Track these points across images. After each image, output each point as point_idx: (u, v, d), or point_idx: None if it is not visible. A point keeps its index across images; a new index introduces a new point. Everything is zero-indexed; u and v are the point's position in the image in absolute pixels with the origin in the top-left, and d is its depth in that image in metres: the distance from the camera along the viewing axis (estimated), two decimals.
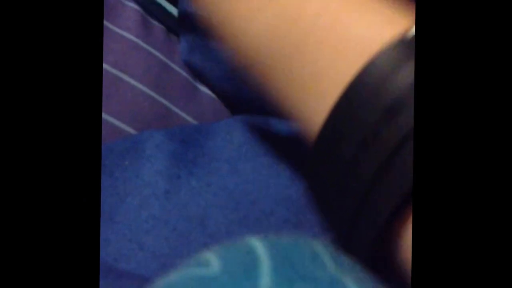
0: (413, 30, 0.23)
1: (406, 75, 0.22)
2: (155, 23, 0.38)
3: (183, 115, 0.37)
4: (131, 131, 0.34)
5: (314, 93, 0.24)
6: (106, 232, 0.29)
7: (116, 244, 0.28)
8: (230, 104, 0.39)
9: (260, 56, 0.25)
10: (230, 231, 0.30)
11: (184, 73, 0.38)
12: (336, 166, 0.23)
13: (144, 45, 0.37)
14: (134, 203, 0.29)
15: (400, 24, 0.23)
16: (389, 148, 0.22)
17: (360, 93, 0.23)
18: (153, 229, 0.29)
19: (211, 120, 0.38)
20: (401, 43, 0.22)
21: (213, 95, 0.39)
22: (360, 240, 0.23)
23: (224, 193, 0.30)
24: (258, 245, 0.20)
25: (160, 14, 0.38)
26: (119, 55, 0.35)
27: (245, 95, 0.38)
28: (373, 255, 0.23)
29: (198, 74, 0.38)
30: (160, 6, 0.39)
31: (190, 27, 0.38)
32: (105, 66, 0.35)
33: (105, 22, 0.36)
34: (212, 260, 0.20)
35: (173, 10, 0.40)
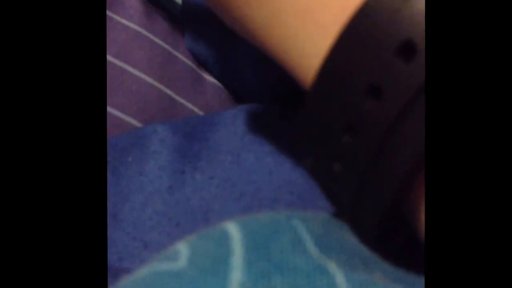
0: None
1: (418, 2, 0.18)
2: (159, 11, 0.38)
3: (189, 105, 0.36)
4: (136, 123, 0.34)
5: (311, 27, 0.21)
6: (110, 231, 0.29)
7: (120, 242, 0.28)
8: (235, 93, 0.38)
9: None
10: None
11: (189, 62, 0.38)
12: (337, 119, 0.20)
13: (148, 35, 0.36)
14: (138, 201, 0.29)
15: None
16: (402, 99, 0.18)
17: (367, 27, 0.19)
18: (157, 226, 0.29)
19: (217, 109, 0.37)
20: None
21: (218, 84, 0.38)
22: (367, 212, 0.20)
23: (227, 184, 0.30)
24: (233, 231, 0.19)
25: (163, 1, 0.38)
26: (122, 45, 0.35)
27: (250, 83, 0.37)
28: (381, 230, 0.21)
29: (203, 63, 0.38)
30: None
31: (195, 15, 0.37)
32: (108, 57, 0.34)
33: (108, 12, 0.36)
34: (181, 253, 0.18)
35: None
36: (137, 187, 0.29)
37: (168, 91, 0.36)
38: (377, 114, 0.18)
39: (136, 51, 0.35)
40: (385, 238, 0.21)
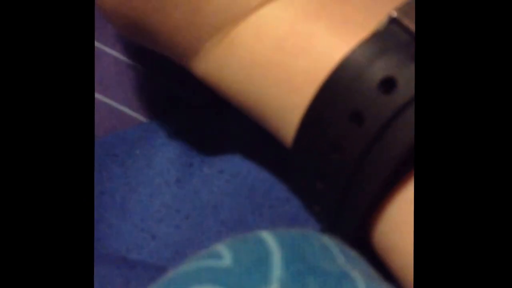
0: (382, 24, 0.23)
1: (372, 77, 0.22)
2: None
3: (195, 102, 0.37)
4: (143, 119, 0.34)
5: (286, 92, 0.24)
6: (118, 222, 0.29)
7: (128, 234, 0.28)
8: None
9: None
10: (243, 218, 0.29)
11: None
12: (312, 170, 0.24)
13: None
14: (146, 193, 0.29)
15: (371, 23, 0.23)
16: (357, 152, 0.23)
17: (327, 100, 0.23)
18: (165, 218, 0.29)
19: (224, 105, 0.37)
20: (372, 39, 0.23)
21: None
22: (345, 226, 0.24)
23: (236, 180, 0.30)
24: (268, 237, 0.20)
25: None
26: (129, 42, 0.35)
27: None
28: (357, 239, 0.24)
29: None
30: None
31: None
32: (115, 53, 0.34)
33: None
34: (223, 252, 0.20)
35: None
36: (145, 179, 0.29)
37: (175, 88, 0.36)
38: (340, 163, 0.23)
39: (143, 48, 0.35)
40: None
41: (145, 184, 0.30)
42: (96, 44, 0.34)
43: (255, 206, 0.30)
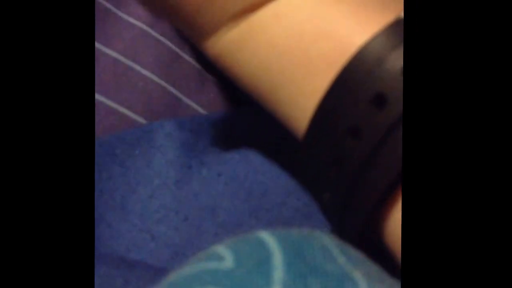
0: (402, 14, 0.23)
1: (395, 62, 0.22)
2: None
3: (194, 105, 0.37)
4: (142, 120, 0.34)
5: (304, 75, 0.24)
6: (118, 222, 0.29)
7: (128, 234, 0.28)
8: (241, 94, 0.39)
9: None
10: (241, 221, 0.29)
11: (195, 63, 0.38)
12: (326, 156, 0.23)
13: (155, 34, 0.36)
14: (145, 193, 0.29)
15: (389, 12, 0.23)
16: (377, 137, 0.22)
17: (348, 84, 0.23)
18: (164, 219, 0.29)
19: (222, 110, 0.37)
20: (390, 29, 0.23)
21: (223, 85, 0.38)
22: (350, 226, 0.24)
23: (235, 183, 0.30)
24: (269, 238, 0.20)
25: None
26: (129, 43, 0.35)
27: None
28: (362, 240, 0.24)
29: (208, 63, 0.38)
30: None
31: None
32: (115, 55, 0.35)
33: (114, 10, 0.36)
34: (224, 254, 0.20)
35: None
36: (144, 179, 0.30)
37: (174, 90, 0.36)
38: (357, 148, 0.23)
39: (143, 50, 0.35)
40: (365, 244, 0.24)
41: (144, 184, 0.30)
42: (97, 44, 0.34)
43: (252, 209, 0.30)
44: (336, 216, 0.24)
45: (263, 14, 0.24)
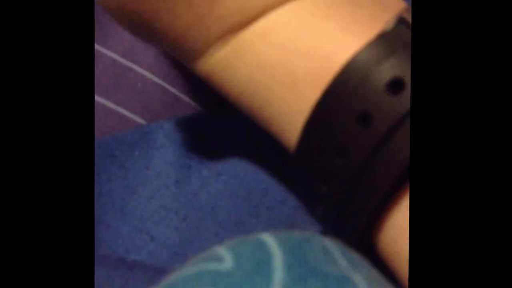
0: (390, 25, 0.23)
1: (379, 77, 0.22)
2: None
3: (194, 104, 0.37)
4: (141, 121, 0.34)
5: (291, 93, 0.24)
6: (117, 223, 0.29)
7: (127, 235, 0.28)
8: None
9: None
10: (241, 220, 0.29)
11: None
12: (316, 173, 0.24)
13: None
14: (144, 194, 0.29)
15: (378, 25, 0.23)
16: (364, 156, 0.22)
17: (333, 103, 0.23)
18: (164, 219, 0.29)
19: (222, 109, 0.37)
20: (374, 43, 0.23)
21: None
22: (345, 239, 0.24)
23: (235, 181, 0.30)
24: (269, 240, 0.20)
25: None
26: (127, 44, 0.35)
27: None
28: (361, 244, 0.24)
29: None
30: None
31: None
32: (113, 55, 0.35)
33: None
34: (224, 255, 0.20)
35: None
36: (143, 181, 0.30)
37: (173, 90, 0.36)
38: (345, 167, 0.23)
39: (142, 51, 0.35)
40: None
41: (144, 185, 0.30)
42: (96, 46, 0.35)
43: (253, 208, 0.30)
44: (330, 229, 0.25)
45: (251, 32, 0.25)
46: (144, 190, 0.29)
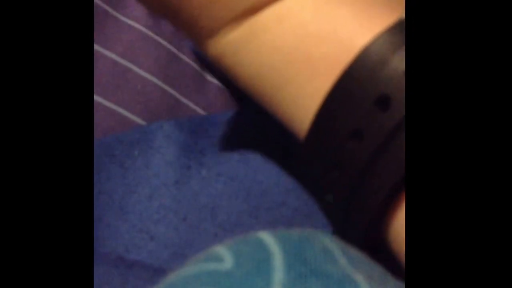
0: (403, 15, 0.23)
1: (398, 63, 0.22)
2: None
3: (193, 106, 0.37)
4: (141, 122, 0.34)
5: (306, 76, 0.24)
6: (117, 222, 0.29)
7: (127, 234, 0.29)
8: (239, 95, 0.39)
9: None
10: (240, 221, 0.29)
11: (193, 64, 0.38)
12: (327, 159, 0.23)
13: (153, 36, 0.37)
14: (144, 194, 0.29)
15: (392, 13, 0.23)
16: (380, 139, 0.22)
17: (350, 86, 0.23)
18: (164, 219, 0.29)
19: (220, 110, 0.38)
20: (392, 30, 0.23)
21: (222, 86, 0.38)
22: (353, 228, 0.24)
23: (234, 182, 0.30)
24: (269, 239, 0.20)
25: None
26: (128, 45, 0.35)
27: None
28: (365, 242, 0.23)
29: (207, 64, 0.38)
30: None
31: None
32: (114, 56, 0.35)
33: (113, 12, 0.36)
34: (224, 255, 0.20)
35: None
36: (143, 180, 0.30)
37: (172, 91, 0.36)
38: (359, 150, 0.22)
39: (142, 52, 0.36)
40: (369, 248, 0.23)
41: (143, 185, 0.30)
42: (96, 46, 0.35)
43: (252, 208, 0.30)
44: (338, 218, 0.24)
45: (266, 16, 0.25)
46: (144, 190, 0.30)
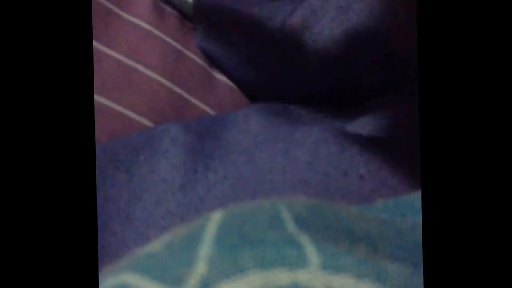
0: None
1: None
2: (169, 9, 0.37)
3: (200, 104, 0.36)
4: (148, 123, 0.34)
5: None
6: (123, 230, 0.28)
7: (133, 242, 0.28)
8: (247, 92, 0.38)
9: None
10: None
11: (200, 61, 0.37)
12: None
13: (158, 33, 0.36)
14: (150, 200, 0.29)
15: None
16: None
17: None
18: (170, 226, 0.28)
19: (228, 108, 0.37)
20: None
21: (230, 83, 0.38)
22: None
23: (240, 183, 0.30)
24: (216, 216, 0.19)
25: (174, 0, 0.37)
26: (132, 44, 0.35)
27: (263, 82, 0.37)
28: None
29: (214, 62, 0.38)
30: None
31: (206, 13, 0.37)
32: (118, 56, 0.34)
33: (117, 10, 0.36)
34: (161, 239, 0.19)
35: None
36: (149, 186, 0.29)
37: (179, 90, 0.35)
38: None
39: (147, 50, 0.35)
40: None
41: (149, 191, 0.29)
42: (100, 46, 0.34)
43: None
44: None
45: None
46: (150, 196, 0.29)
